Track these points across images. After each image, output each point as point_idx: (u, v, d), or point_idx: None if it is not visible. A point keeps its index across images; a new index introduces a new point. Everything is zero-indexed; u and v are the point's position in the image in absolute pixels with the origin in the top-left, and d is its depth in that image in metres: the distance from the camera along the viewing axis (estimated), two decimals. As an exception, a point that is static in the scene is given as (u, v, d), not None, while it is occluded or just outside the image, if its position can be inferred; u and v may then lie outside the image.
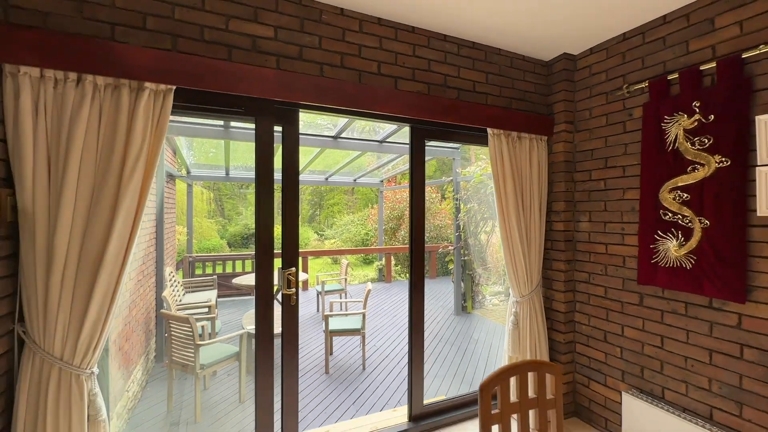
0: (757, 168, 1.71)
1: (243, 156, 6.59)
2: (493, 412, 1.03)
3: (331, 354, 4.38)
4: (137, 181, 1.55)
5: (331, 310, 5.23)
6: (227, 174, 7.21)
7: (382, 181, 9.76)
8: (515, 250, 2.50)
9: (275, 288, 2.05)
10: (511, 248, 2.50)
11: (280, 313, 2.06)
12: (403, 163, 8.03)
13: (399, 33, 2.18)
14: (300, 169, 7.85)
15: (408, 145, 2.44)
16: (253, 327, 2.22)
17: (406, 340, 4.61)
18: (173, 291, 4.69)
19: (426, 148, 2.46)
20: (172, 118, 1.70)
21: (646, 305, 2.18)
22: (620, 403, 2.30)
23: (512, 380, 1.21)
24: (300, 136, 2.07)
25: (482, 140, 2.51)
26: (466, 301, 6.19)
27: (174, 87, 1.63)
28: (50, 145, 1.45)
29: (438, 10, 2.04)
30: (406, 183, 11.19)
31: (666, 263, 2.05)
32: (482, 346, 4.82)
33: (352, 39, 2.06)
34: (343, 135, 5.15)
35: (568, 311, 2.62)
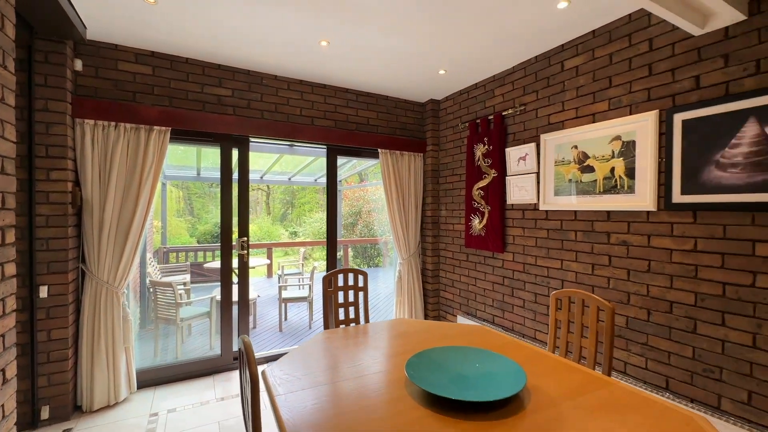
0: (506, 177, 3.08)
1: (213, 157, 7.64)
2: (329, 290, 2.29)
3: (285, 319, 5.58)
4: (150, 181, 2.72)
5: (285, 284, 6.41)
6: (198, 174, 8.22)
7: (340, 181, 10.99)
8: (397, 229, 3.81)
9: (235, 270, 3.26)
10: (395, 228, 3.81)
11: (237, 281, 3.27)
12: (360, 165, 9.30)
13: (314, 89, 3.43)
14: (264, 171, 8.92)
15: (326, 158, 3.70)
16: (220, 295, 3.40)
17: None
18: (153, 270, 5.73)
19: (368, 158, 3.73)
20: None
21: (469, 260, 3.54)
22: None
23: (340, 276, 2.44)
24: (264, 144, 3.29)
25: (377, 156, 3.80)
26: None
27: (170, 128, 2.81)
28: (101, 162, 2.60)
29: (340, 74, 3.29)
30: (364, 183, 12.45)
31: (474, 233, 3.40)
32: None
33: (282, 94, 3.29)
34: (297, 144, 6.34)
35: (435, 269, 3.96)
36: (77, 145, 2.54)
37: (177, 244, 13.41)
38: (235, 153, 3.21)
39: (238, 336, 3.33)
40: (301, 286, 7.30)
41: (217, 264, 6.81)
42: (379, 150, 3.72)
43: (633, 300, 2.22)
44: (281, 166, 8.79)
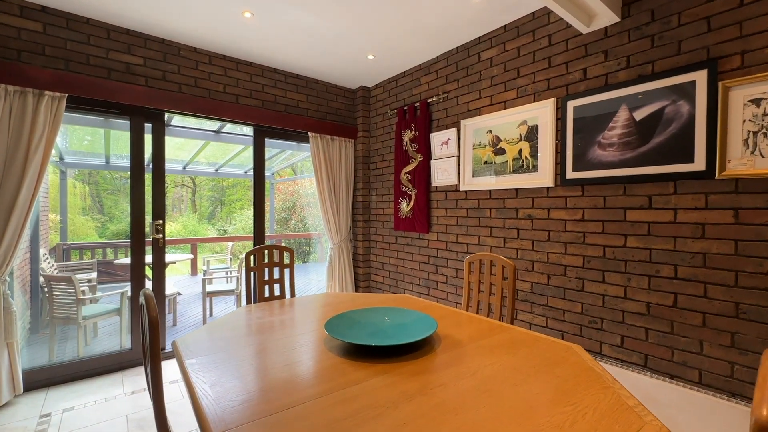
0: (431, 161, 3.26)
1: (123, 145, 6.89)
2: (252, 267, 2.24)
3: (211, 315, 5.25)
4: (41, 154, 2.39)
5: (210, 277, 6.03)
6: (107, 162, 7.36)
7: (273, 174, 10.61)
8: (328, 215, 3.80)
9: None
10: (326, 213, 3.80)
11: (150, 285, 3.01)
12: (293, 157, 9.05)
13: (239, 65, 3.29)
14: (187, 160, 8.32)
15: (252, 141, 3.56)
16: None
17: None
18: (48, 267, 5.01)
19: (308, 145, 3.64)
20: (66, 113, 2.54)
21: (398, 243, 3.67)
22: (388, 305, 3.77)
23: (266, 251, 2.41)
24: (184, 129, 3.03)
25: (307, 140, 3.75)
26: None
27: (66, 94, 2.49)
28: (-27, 129, 2.22)
29: (266, 52, 3.19)
30: (298, 176, 12.16)
31: (402, 216, 3.54)
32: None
33: (203, 68, 3.09)
34: (224, 130, 5.99)
35: (365, 253, 4.03)
36: (-61, 106, 2.14)
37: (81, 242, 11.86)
38: (148, 138, 2.94)
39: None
40: (228, 279, 6.93)
41: (129, 260, 6.16)
42: (310, 134, 3.69)
43: (536, 267, 2.50)
44: (208, 156, 8.24)
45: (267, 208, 13.29)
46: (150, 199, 2.97)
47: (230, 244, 7.51)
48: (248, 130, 6.41)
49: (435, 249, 3.27)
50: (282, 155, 8.94)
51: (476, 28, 2.75)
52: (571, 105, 2.30)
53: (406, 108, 3.51)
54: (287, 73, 3.58)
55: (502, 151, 2.70)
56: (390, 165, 3.77)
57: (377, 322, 1.51)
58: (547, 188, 2.44)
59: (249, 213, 16.02)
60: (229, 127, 6.06)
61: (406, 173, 3.50)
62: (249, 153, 8.51)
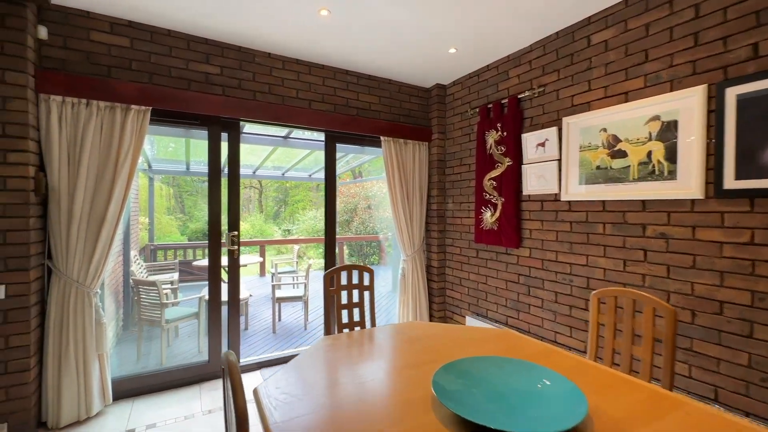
0: (522, 166, 2.83)
1: (202, 152, 7.29)
2: (331, 289, 2.01)
3: (279, 320, 5.28)
4: (128, 166, 2.41)
5: (279, 283, 6.11)
6: (188, 168, 7.86)
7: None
8: (401, 224, 3.53)
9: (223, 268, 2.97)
10: (398, 222, 3.53)
11: (227, 280, 2.98)
12: (355, 160, 9.00)
13: (312, 69, 3.14)
14: (256, 165, 8.62)
15: (323, 145, 3.41)
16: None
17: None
18: (138, 269, 5.39)
19: (368, 148, 3.50)
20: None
21: (479, 257, 3.28)
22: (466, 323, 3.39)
23: (344, 273, 2.13)
24: (255, 136, 2.97)
25: (380, 144, 3.52)
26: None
27: (151, 107, 2.49)
28: (69, 145, 2.28)
29: (340, 53, 3.00)
30: (359, 179, 12.15)
31: (486, 227, 3.14)
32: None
33: (277, 74, 2.98)
34: (293, 135, 6.03)
35: (440, 266, 3.70)
36: (42, 124, 2.22)
37: (166, 242, 13.00)
38: (224, 146, 2.90)
39: (229, 340, 3.04)
40: (295, 285, 7.01)
41: (206, 262, 6.49)
42: (382, 138, 3.44)
43: (674, 299, 1.98)
44: (274, 160, 8.46)
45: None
46: (226, 208, 2.92)
47: (296, 248, 7.61)
48: (315, 135, 6.42)
49: (527, 267, 2.83)
50: (344, 159, 8.92)
51: (586, 6, 2.29)
52: (731, 92, 1.76)
53: (490, 106, 3.12)
54: (359, 74, 3.37)
55: (621, 154, 2.21)
56: (470, 170, 3.39)
57: (498, 382, 1.18)
58: (693, 200, 1.91)
59: (311, 213, 16.45)
60: (296, 133, 6.10)
61: (490, 179, 3.11)
62: (312, 156, 8.60)
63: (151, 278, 5.98)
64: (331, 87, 3.23)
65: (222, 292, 2.95)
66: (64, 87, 2.24)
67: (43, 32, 2.21)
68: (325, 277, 2.00)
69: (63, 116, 2.26)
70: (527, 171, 2.80)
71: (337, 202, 11.31)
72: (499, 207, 3.02)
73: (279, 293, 5.03)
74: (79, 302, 2.29)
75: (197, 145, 6.68)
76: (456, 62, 3.14)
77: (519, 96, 2.86)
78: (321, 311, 5.97)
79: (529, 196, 2.82)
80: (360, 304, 2.10)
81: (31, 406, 2.12)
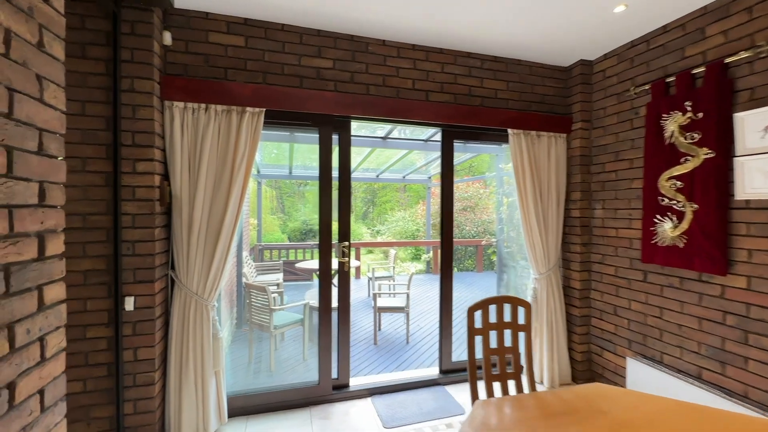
0: (734, 159, 1.98)
1: (302, 156, 7.48)
2: (476, 327, 1.53)
3: (379, 329, 5.01)
4: (243, 172, 2.26)
5: (379, 291, 5.87)
6: (290, 172, 8.17)
7: (430, 178, 10.22)
8: (533, 234, 2.89)
9: (333, 271, 2.70)
10: (529, 232, 2.90)
11: (336, 292, 2.71)
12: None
13: (429, 55, 2.70)
14: (353, 167, 8.63)
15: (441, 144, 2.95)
16: (314, 301, 2.89)
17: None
18: (249, 270, 5.63)
19: (470, 145, 2.97)
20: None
21: (649, 281, 2.48)
22: (626, 368, 2.61)
23: (492, 308, 1.61)
24: (357, 138, 2.67)
25: (505, 139, 2.94)
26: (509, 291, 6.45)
27: (264, 109, 2.32)
28: (190, 151, 2.20)
29: (464, 31, 2.51)
30: (458, 180, 11.51)
31: (663, 243, 2.34)
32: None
33: (391, 63, 2.62)
34: (391, 135, 5.73)
35: (584, 288, 2.95)
36: (166, 131, 2.17)
37: (270, 241, 14.05)
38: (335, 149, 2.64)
39: (338, 357, 2.78)
40: (392, 294, 6.73)
41: (308, 264, 6.57)
42: (510, 131, 2.85)
43: None
44: (368, 162, 8.33)
45: (423, 213, 13.12)
46: (336, 216, 2.66)
47: (393, 252, 7.34)
48: (416, 134, 6.04)
49: (742, 303, 1.98)
50: (435, 162, 8.41)
51: None
52: None
53: (670, 80, 2.31)
54: (483, 56, 2.83)
55: None
56: (632, 167, 2.60)
57: None
58: None
59: (399, 214, 16.27)
60: (395, 133, 5.79)
61: (671, 178, 2.30)
62: (407, 158, 8.26)
63: (260, 278, 6.26)
64: (451, 74, 2.75)
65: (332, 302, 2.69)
66: (185, 92, 2.17)
67: (167, 38, 2.16)
68: (470, 311, 1.53)
69: (185, 122, 2.19)
70: (744, 166, 1.95)
71: (431, 204, 10.71)
72: (689, 216, 2.20)
73: (381, 302, 4.74)
74: (198, 315, 2.20)
75: (298, 149, 6.84)
76: (620, 25, 2.40)
77: (727, 60, 2.02)
78: (422, 321, 5.57)
79: (747, 201, 1.97)
80: (513, 349, 1.58)
81: (155, 421, 2.07)
